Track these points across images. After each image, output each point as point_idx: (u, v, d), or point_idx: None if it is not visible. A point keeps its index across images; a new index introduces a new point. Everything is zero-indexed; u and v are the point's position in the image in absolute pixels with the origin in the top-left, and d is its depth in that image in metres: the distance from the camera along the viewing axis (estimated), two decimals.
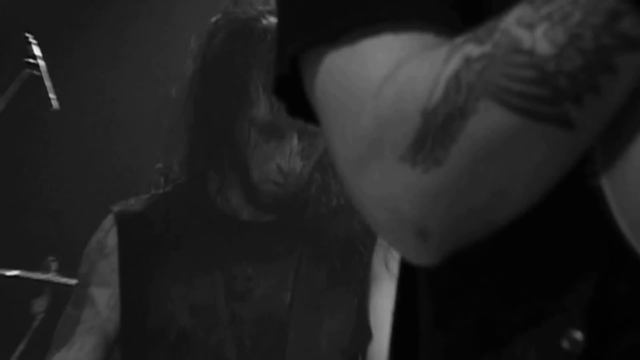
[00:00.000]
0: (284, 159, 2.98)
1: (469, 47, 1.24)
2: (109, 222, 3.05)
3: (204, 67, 3.07)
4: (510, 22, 1.24)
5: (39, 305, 4.10)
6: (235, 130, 3.02)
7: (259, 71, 2.95)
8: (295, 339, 3.00)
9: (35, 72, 4.28)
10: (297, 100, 1.36)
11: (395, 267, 3.01)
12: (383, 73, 1.27)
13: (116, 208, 3.07)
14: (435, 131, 1.24)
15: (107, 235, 3.05)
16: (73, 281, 3.41)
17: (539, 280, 1.31)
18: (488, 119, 1.23)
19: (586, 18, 1.21)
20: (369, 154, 1.28)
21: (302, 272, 3.00)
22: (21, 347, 4.00)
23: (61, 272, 4.03)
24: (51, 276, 4.10)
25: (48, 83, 4.37)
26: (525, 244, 1.31)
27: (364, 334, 3.06)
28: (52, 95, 4.34)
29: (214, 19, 3.12)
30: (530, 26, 1.23)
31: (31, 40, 4.32)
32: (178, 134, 3.05)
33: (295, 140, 2.98)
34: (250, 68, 2.95)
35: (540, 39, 1.22)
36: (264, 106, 2.96)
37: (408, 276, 1.42)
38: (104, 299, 2.97)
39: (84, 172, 5.21)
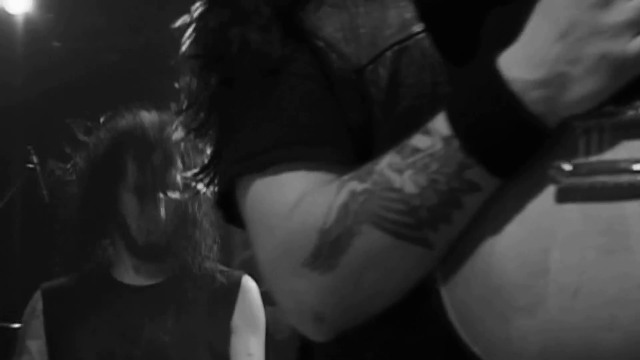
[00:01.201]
0: (154, 210, 3.74)
1: (353, 184, 1.42)
2: (38, 294, 3.87)
3: (91, 166, 3.87)
4: (384, 166, 1.45)
5: None
6: (117, 201, 3.80)
7: (132, 155, 3.79)
8: None
9: (33, 173, 4.91)
10: (231, 211, 1.64)
11: (252, 321, 3.90)
12: (292, 201, 1.46)
13: (43, 285, 3.91)
14: (329, 245, 1.43)
15: (37, 303, 3.85)
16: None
17: (397, 355, 1.58)
18: (368, 239, 1.41)
19: (441, 168, 1.37)
20: (280, 259, 1.48)
21: (179, 316, 3.78)
22: None
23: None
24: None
25: (42, 182, 4.94)
26: (388, 327, 1.56)
27: None
28: (44, 191, 4.95)
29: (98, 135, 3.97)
30: (399, 171, 1.40)
31: (31, 150, 4.89)
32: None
33: (161, 196, 3.74)
34: (126, 158, 3.80)
35: (407, 181, 1.38)
36: (131, 176, 3.76)
37: (306, 344, 1.67)
38: (36, 348, 3.81)
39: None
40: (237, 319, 3.80)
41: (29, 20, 7.00)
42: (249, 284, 3.88)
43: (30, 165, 5.43)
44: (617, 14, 1.36)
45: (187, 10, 1.73)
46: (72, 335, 3.78)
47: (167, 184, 3.74)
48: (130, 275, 3.84)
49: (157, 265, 3.79)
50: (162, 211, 3.74)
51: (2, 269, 6.27)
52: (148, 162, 3.74)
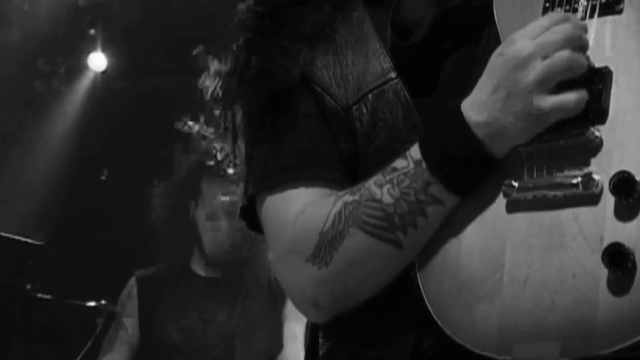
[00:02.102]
0: (220, 232, 4.40)
1: (347, 197, 1.67)
2: (132, 280, 4.57)
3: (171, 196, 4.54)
4: (370, 183, 1.63)
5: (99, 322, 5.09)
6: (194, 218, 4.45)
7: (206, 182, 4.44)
8: (239, 345, 4.36)
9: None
10: (253, 220, 1.91)
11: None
12: (298, 210, 1.70)
13: (137, 272, 4.60)
14: (326, 245, 1.67)
15: (133, 287, 4.55)
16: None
17: (383, 334, 1.79)
18: (355, 239, 1.65)
19: (411, 183, 1.61)
20: (287, 256, 1.73)
21: (244, 305, 4.41)
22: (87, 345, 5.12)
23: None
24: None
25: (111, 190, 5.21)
26: (375, 312, 1.74)
27: (278, 345, 4.29)
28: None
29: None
30: (380, 185, 1.64)
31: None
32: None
33: (225, 220, 4.43)
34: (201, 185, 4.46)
35: (385, 193, 1.63)
36: (205, 200, 4.45)
37: (313, 324, 1.93)
38: (130, 324, 4.55)
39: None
40: (287, 310, 4.18)
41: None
42: None
43: (103, 178, 5.81)
44: (532, 73, 1.59)
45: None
46: (159, 313, 4.39)
47: (233, 210, 4.18)
48: (203, 269, 4.53)
49: (222, 267, 4.30)
50: (226, 230, 4.15)
51: (96, 255, 6.56)
52: (219, 186, 4.20)
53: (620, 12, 1.66)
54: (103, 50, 7.50)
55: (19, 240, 5.74)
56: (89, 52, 7.54)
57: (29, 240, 5.80)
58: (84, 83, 7.68)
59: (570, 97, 1.60)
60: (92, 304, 5.51)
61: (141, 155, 6.81)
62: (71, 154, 7.22)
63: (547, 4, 1.72)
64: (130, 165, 6.72)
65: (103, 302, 5.42)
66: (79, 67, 7.61)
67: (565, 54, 1.60)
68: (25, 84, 7.52)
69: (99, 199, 6.17)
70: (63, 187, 7.02)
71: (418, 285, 1.70)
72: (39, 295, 5.68)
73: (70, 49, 7.57)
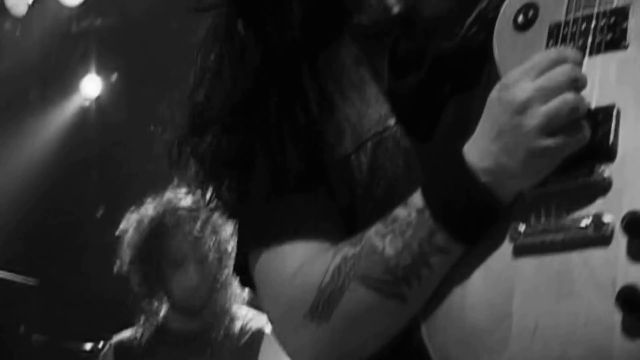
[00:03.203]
0: (188, 279, 4.27)
1: (346, 249, 1.58)
2: (109, 348, 4.47)
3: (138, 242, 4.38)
4: (371, 233, 1.54)
5: None
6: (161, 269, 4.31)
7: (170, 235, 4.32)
8: None
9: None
10: (246, 277, 1.82)
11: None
12: (295, 266, 1.62)
13: (114, 339, 4.50)
14: (324, 300, 1.58)
15: (108, 355, 4.44)
16: None
17: None
18: (356, 295, 1.56)
19: (415, 233, 1.53)
20: (284, 314, 1.64)
21: (214, 356, 4.31)
22: None
23: None
24: None
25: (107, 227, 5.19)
26: None
27: None
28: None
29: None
30: (382, 236, 1.55)
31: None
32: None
33: (193, 266, 4.31)
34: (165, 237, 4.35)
35: (387, 245, 1.54)
36: (171, 251, 4.30)
37: None
38: None
39: None
40: (262, 356, 4.13)
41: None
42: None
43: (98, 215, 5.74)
44: (531, 119, 1.52)
45: None
46: None
47: (200, 255, 4.12)
48: (177, 323, 4.45)
49: (196, 317, 4.22)
50: (195, 278, 4.09)
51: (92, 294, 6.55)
52: (184, 240, 4.15)
53: (626, 47, 1.59)
54: (98, 74, 7.39)
55: (9, 280, 5.68)
56: (82, 77, 7.42)
57: (21, 279, 5.72)
58: (75, 111, 7.54)
59: (573, 136, 1.53)
60: (89, 346, 5.44)
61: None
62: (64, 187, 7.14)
63: (551, 42, 1.65)
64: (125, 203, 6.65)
65: (100, 345, 5.35)
66: (71, 94, 7.49)
67: (566, 98, 1.53)
68: (16, 112, 7.42)
69: (94, 234, 6.07)
70: (55, 221, 6.93)
71: (421, 337, 1.62)
72: (35, 336, 5.59)
73: (62, 77, 7.46)
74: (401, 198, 1.64)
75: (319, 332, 1.65)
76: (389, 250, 1.60)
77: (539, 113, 1.52)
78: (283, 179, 1.77)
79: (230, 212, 1.86)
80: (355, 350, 1.67)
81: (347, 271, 1.63)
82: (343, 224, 1.75)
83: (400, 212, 1.62)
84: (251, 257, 1.79)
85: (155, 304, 4.43)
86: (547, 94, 1.52)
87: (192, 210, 4.28)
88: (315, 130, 1.80)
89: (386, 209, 1.64)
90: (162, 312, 4.45)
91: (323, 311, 1.64)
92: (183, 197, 4.39)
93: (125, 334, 4.50)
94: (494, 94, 1.59)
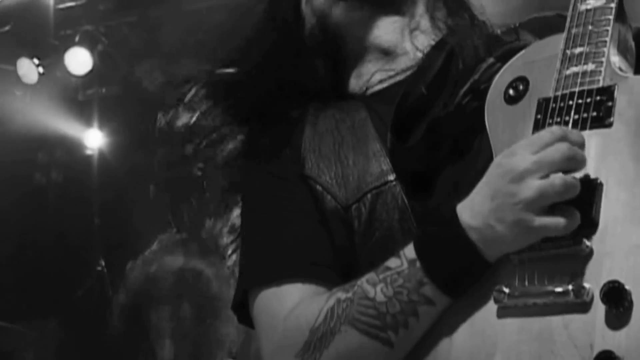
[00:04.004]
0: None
1: (340, 294, 1.62)
2: None
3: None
4: (363, 281, 1.57)
5: None
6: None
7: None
8: None
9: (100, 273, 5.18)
10: (244, 314, 1.85)
11: None
12: (290, 306, 1.65)
13: None
14: (316, 341, 1.61)
15: None
16: None
17: None
18: (347, 336, 1.59)
19: (405, 283, 1.57)
20: (277, 351, 1.68)
21: None
22: None
23: None
24: None
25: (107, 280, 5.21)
26: None
27: None
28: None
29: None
30: (374, 284, 1.59)
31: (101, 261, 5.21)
32: None
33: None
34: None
35: (378, 292, 1.57)
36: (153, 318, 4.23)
37: None
38: None
39: None
40: None
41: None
42: None
43: (99, 268, 5.82)
44: (526, 190, 1.55)
45: None
46: None
47: (179, 331, 4.18)
48: None
49: None
50: (172, 352, 4.17)
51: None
52: (163, 316, 4.19)
53: (610, 125, 1.63)
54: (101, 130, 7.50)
55: (16, 330, 5.71)
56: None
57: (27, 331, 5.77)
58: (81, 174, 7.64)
59: (560, 222, 1.56)
60: None
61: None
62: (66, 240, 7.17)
63: (539, 117, 1.69)
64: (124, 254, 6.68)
65: None
66: (77, 158, 7.58)
67: (557, 181, 1.56)
68: (25, 174, 7.53)
69: (95, 291, 6.11)
70: (57, 274, 6.96)
71: None
72: None
73: (68, 141, 7.57)
74: (394, 248, 1.68)
75: None
76: (380, 297, 1.64)
77: (533, 186, 1.56)
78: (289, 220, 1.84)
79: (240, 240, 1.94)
80: None
81: (339, 314, 1.66)
82: (340, 269, 1.79)
83: (392, 262, 1.66)
84: (251, 295, 1.83)
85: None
86: (542, 168, 1.56)
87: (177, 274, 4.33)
88: (322, 179, 1.86)
89: (380, 257, 1.68)
90: None
91: (314, 351, 1.67)
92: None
93: None
94: (498, 158, 1.63)
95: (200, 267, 4.38)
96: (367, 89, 1.97)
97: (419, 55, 1.93)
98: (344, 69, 2.02)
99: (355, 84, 2.01)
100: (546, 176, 1.56)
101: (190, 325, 4.31)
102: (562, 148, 1.58)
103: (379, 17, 1.97)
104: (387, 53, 1.97)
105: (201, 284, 4.35)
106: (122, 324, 4.41)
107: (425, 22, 1.98)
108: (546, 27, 1.88)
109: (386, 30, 1.98)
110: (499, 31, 1.96)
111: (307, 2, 2.01)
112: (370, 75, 1.97)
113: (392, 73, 1.95)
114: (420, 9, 1.99)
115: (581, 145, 1.60)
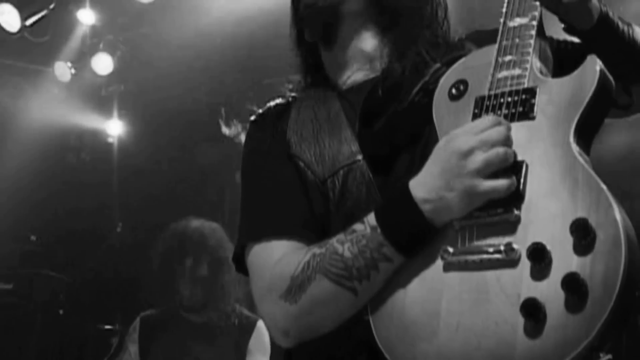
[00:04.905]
0: (196, 287, 4.23)
1: (315, 249, 1.59)
2: (137, 319, 4.37)
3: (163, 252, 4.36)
4: (334, 240, 1.55)
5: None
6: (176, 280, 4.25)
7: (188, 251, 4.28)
8: None
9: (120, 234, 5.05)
10: (241, 265, 1.85)
11: (261, 347, 4.11)
12: (276, 258, 1.63)
13: (142, 314, 4.39)
14: (296, 286, 1.59)
15: (137, 325, 4.35)
16: None
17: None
18: (320, 284, 1.57)
19: (367, 243, 1.54)
20: (266, 293, 1.64)
21: (218, 342, 4.19)
22: None
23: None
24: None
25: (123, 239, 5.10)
26: (333, 342, 1.66)
27: None
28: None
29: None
30: (342, 243, 1.56)
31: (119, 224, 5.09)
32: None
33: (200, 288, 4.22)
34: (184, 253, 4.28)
35: (346, 250, 1.55)
36: (187, 266, 4.26)
37: (277, 349, 1.77)
38: (133, 350, 4.29)
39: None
40: (252, 346, 4.09)
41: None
42: (261, 324, 4.27)
43: (118, 229, 5.74)
44: (472, 163, 1.54)
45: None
46: (152, 346, 4.24)
47: (201, 272, 4.20)
48: (186, 314, 4.31)
49: (199, 313, 4.27)
50: (199, 294, 4.17)
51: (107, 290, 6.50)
52: (199, 262, 4.15)
53: (533, 118, 1.62)
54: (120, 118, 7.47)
55: (54, 277, 5.68)
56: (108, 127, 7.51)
57: (63, 277, 5.73)
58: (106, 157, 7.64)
59: (503, 183, 1.55)
60: (108, 327, 5.42)
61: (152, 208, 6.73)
62: (92, 207, 7.14)
63: (476, 111, 1.68)
64: (143, 219, 6.62)
65: (117, 326, 5.33)
66: (100, 142, 7.56)
67: (500, 150, 1.55)
68: (59, 155, 7.49)
69: (115, 246, 6.04)
70: (86, 231, 6.91)
71: (368, 323, 1.62)
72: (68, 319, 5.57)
73: (94, 128, 7.57)
74: (361, 215, 1.65)
75: (291, 309, 1.66)
76: (347, 254, 1.62)
77: (479, 159, 1.54)
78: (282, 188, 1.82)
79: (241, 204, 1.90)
80: (316, 326, 1.68)
81: (314, 265, 1.64)
82: (317, 231, 1.76)
83: (358, 226, 1.64)
84: (246, 249, 1.81)
85: (171, 294, 4.40)
86: (486, 145, 1.54)
87: (202, 234, 4.29)
88: (304, 157, 1.84)
89: (350, 222, 1.66)
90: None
91: (294, 294, 1.65)
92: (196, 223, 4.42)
93: (151, 312, 4.44)
94: (441, 143, 1.61)
95: (215, 226, 4.44)
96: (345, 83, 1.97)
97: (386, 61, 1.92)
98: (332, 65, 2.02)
99: (339, 77, 2.00)
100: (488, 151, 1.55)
101: (206, 273, 4.28)
102: (500, 129, 1.57)
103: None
104: (369, 58, 1.96)
105: (215, 239, 4.33)
106: (159, 270, 4.38)
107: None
108: (486, 38, 1.86)
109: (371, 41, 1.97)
110: (456, 38, 1.97)
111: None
112: (352, 73, 1.97)
113: (369, 73, 1.94)
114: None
115: (509, 129, 1.59)
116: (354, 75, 1.97)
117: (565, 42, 1.86)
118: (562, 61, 1.73)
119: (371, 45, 1.95)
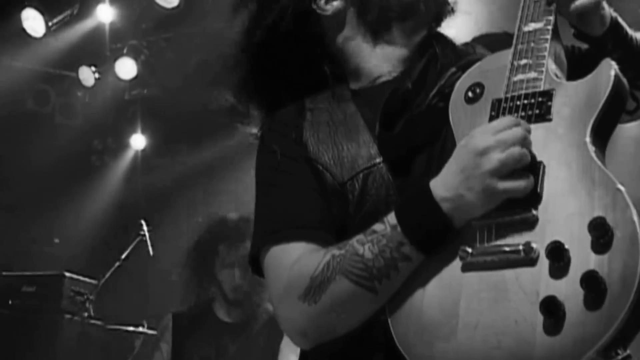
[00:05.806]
0: (237, 279, 4.12)
1: (335, 250, 1.56)
2: (169, 316, 4.34)
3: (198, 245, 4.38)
4: (354, 241, 1.52)
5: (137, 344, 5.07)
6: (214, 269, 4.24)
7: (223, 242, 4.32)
8: None
9: (143, 237, 5.08)
10: (258, 267, 1.81)
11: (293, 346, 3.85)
12: (294, 259, 1.60)
13: (173, 310, 4.36)
14: (315, 287, 1.57)
15: (169, 321, 4.32)
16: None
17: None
18: (340, 284, 1.55)
19: (387, 243, 1.52)
20: (283, 295, 1.62)
21: (251, 340, 4.23)
22: None
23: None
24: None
25: (149, 242, 5.13)
26: (351, 342, 1.64)
27: None
28: (150, 249, 5.13)
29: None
30: (362, 243, 1.54)
31: (143, 223, 5.12)
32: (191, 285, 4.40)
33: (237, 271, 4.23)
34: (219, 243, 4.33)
35: (366, 250, 1.53)
36: (223, 256, 4.31)
37: (302, 351, 1.83)
38: (165, 349, 4.28)
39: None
40: (283, 344, 4.10)
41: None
42: None
43: (142, 232, 5.76)
44: (488, 163, 1.54)
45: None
46: (185, 344, 4.22)
47: (243, 261, 4.15)
48: (222, 313, 4.36)
49: (237, 308, 4.21)
50: (239, 278, 4.17)
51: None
52: (233, 246, 4.15)
53: (550, 120, 1.61)
54: (143, 132, 7.53)
55: (79, 279, 5.71)
56: (132, 134, 7.57)
57: (87, 279, 5.76)
58: (127, 158, 7.70)
59: (521, 183, 1.54)
60: (131, 328, 5.44)
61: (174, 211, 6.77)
62: (115, 213, 7.21)
63: (493, 113, 1.67)
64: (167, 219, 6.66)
65: (141, 328, 5.35)
66: (124, 145, 7.62)
67: (517, 150, 1.55)
68: (84, 157, 7.54)
69: (139, 247, 6.05)
70: (110, 237, 6.97)
71: (387, 324, 1.61)
72: (92, 321, 5.59)
73: (117, 132, 7.63)
74: (381, 217, 1.64)
75: (309, 309, 1.65)
76: (367, 254, 1.61)
77: (494, 158, 1.54)
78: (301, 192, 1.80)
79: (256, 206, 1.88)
80: (334, 327, 1.67)
81: (334, 266, 1.63)
82: (335, 234, 1.75)
83: (378, 226, 1.63)
84: (263, 251, 1.79)
85: (204, 291, 4.41)
86: (503, 145, 1.54)
87: (238, 225, 4.30)
88: (322, 160, 1.82)
89: (370, 223, 1.65)
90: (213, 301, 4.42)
91: (314, 295, 1.63)
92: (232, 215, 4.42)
93: (183, 309, 4.45)
94: (462, 142, 1.61)
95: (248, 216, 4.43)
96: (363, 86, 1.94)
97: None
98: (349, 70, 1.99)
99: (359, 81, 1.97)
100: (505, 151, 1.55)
101: (243, 260, 4.30)
102: (517, 130, 1.57)
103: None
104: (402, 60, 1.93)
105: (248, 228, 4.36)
106: (195, 258, 4.39)
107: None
108: (496, 42, 1.86)
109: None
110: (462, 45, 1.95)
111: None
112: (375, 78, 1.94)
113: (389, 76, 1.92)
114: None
115: (529, 132, 1.59)
116: (384, 75, 1.92)
117: (579, 48, 1.86)
118: (575, 67, 1.73)
119: (413, 47, 1.92)
